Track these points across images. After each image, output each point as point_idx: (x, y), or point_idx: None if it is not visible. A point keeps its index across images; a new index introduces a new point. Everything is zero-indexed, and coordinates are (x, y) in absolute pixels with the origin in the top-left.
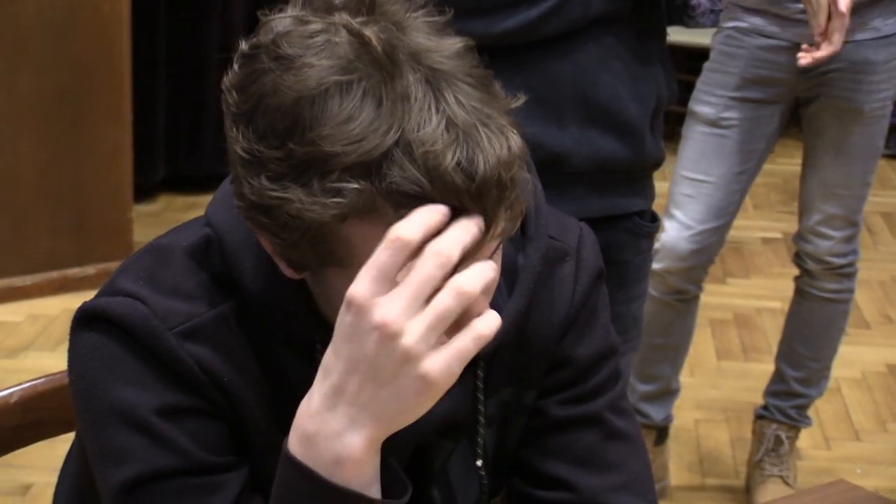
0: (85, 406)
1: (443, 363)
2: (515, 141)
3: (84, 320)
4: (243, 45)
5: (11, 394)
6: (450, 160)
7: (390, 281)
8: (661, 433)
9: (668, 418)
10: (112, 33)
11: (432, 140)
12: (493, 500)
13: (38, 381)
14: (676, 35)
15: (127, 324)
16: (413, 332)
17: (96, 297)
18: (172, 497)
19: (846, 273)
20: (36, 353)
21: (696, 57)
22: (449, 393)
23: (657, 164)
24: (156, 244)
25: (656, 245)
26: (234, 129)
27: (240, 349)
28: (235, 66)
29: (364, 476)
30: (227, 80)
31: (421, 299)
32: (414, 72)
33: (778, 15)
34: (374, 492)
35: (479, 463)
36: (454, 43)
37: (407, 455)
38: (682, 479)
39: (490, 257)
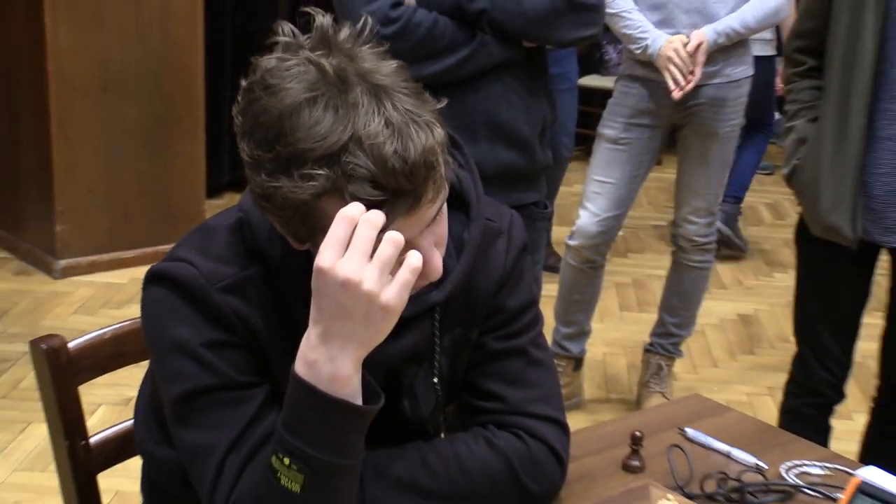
0: (152, 342)
1: (395, 292)
2: (438, 132)
3: (152, 279)
4: (243, 83)
5: (105, 332)
6: (389, 149)
7: (343, 247)
8: (578, 362)
9: (583, 352)
10: (191, 75)
11: (376, 135)
12: (446, 410)
13: (125, 322)
14: (593, 81)
15: (182, 282)
16: (369, 278)
17: (160, 262)
18: (214, 406)
19: (707, 248)
20: (136, 305)
21: (606, 95)
22: (414, 331)
23: (546, 167)
24: (204, 225)
25: (573, 228)
26: (242, 143)
27: (264, 301)
28: (239, 99)
29: (351, 388)
30: (235, 108)
31: (367, 254)
32: (361, 87)
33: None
34: (358, 400)
35: (435, 381)
36: (391, 64)
37: (383, 376)
38: (592, 395)
39: (434, 221)
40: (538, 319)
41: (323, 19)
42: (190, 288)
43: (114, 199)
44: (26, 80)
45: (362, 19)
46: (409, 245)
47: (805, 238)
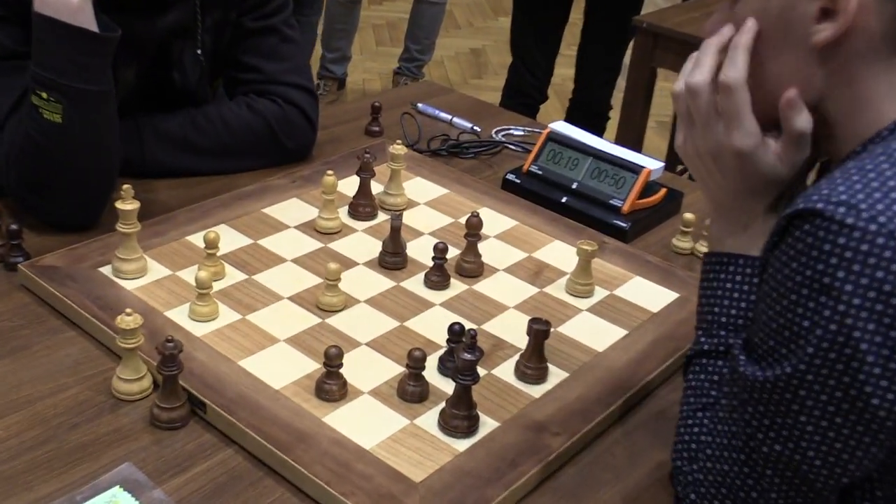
0: None
1: None
2: None
3: None
4: None
5: None
6: None
7: None
8: (341, 83)
9: (345, 74)
10: None
11: None
12: (214, 83)
13: None
14: None
15: None
16: None
17: None
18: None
19: None
20: None
21: None
22: (179, 9)
23: None
24: None
25: None
26: None
27: None
28: None
29: (86, 17)
30: None
31: None
32: None
33: None
34: (95, 29)
35: (199, 52)
36: None
37: (153, 49)
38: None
39: None
40: (288, 4)
41: None
42: None
43: None
44: None
45: None
46: None
47: None
